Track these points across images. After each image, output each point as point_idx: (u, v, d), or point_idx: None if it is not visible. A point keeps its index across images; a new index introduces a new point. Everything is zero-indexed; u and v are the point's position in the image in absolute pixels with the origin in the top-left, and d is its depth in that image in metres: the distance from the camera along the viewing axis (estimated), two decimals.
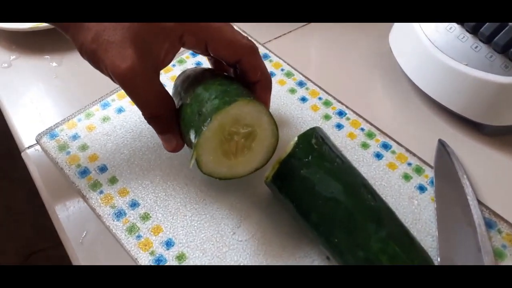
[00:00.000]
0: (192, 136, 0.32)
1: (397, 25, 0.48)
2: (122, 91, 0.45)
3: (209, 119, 0.31)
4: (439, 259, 0.34)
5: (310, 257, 0.34)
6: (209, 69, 0.39)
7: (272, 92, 0.38)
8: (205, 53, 0.35)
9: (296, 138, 0.33)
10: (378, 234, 0.30)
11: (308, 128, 0.35)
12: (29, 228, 1.09)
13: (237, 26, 0.52)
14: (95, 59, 0.32)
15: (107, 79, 0.42)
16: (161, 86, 0.33)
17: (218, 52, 0.34)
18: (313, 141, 0.33)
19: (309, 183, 0.32)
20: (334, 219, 0.31)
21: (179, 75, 0.39)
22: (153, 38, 0.31)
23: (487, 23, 0.38)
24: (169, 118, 0.35)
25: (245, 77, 0.36)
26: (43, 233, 1.11)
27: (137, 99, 0.33)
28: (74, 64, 0.49)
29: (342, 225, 0.30)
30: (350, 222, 0.30)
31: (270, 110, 0.39)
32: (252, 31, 0.51)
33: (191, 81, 0.36)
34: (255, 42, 0.50)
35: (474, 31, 0.39)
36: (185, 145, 0.35)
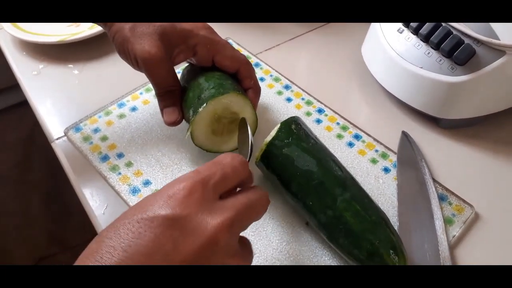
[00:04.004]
0: (190, 114, 0.41)
1: (367, 39, 0.56)
2: (136, 93, 0.54)
3: (205, 103, 0.39)
4: (398, 224, 0.42)
5: (292, 223, 0.42)
6: (211, 66, 0.46)
7: (262, 94, 0.47)
8: (208, 63, 0.44)
9: (279, 124, 0.41)
10: (343, 196, 0.37)
11: None
12: (41, 233, 1.15)
13: (232, 40, 0.61)
14: (125, 45, 0.41)
15: (121, 85, 0.51)
16: (173, 69, 0.43)
17: (222, 62, 0.44)
18: (293, 126, 0.41)
19: (289, 159, 0.40)
20: (309, 187, 0.38)
21: (187, 66, 0.48)
22: (174, 38, 0.41)
23: (436, 33, 0.46)
24: (176, 94, 0.44)
25: (241, 84, 0.45)
26: (54, 239, 1.17)
27: (156, 77, 0.42)
28: (93, 72, 0.57)
29: (315, 191, 0.38)
30: (321, 188, 0.38)
31: (261, 108, 0.47)
32: (246, 44, 0.60)
33: (196, 71, 0.45)
34: (248, 53, 0.59)
35: (426, 40, 0.47)
36: (186, 136, 0.43)
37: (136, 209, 0.27)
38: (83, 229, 0.44)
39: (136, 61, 0.41)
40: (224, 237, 0.27)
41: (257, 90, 0.46)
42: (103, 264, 0.24)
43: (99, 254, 0.25)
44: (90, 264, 0.25)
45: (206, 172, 0.29)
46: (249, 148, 0.35)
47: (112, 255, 0.25)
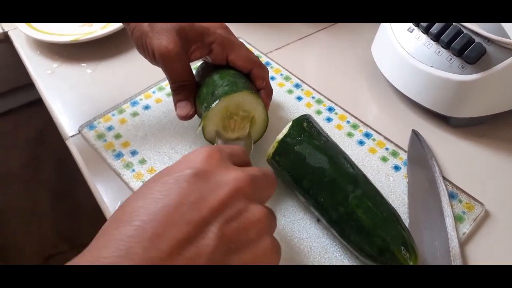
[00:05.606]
0: (203, 109, 0.42)
1: (377, 38, 0.57)
2: (149, 92, 0.55)
3: (218, 100, 0.40)
4: (408, 221, 0.42)
5: (303, 220, 0.42)
6: (226, 64, 0.47)
7: (273, 93, 0.48)
8: (223, 61, 0.45)
9: (291, 122, 0.42)
10: (355, 193, 0.37)
11: None
12: (50, 231, 1.17)
13: (244, 39, 0.61)
14: (143, 39, 0.42)
15: (134, 83, 0.51)
16: (189, 65, 0.44)
17: (235, 61, 0.45)
18: (305, 124, 0.42)
19: (301, 157, 0.40)
20: (320, 183, 0.39)
21: (202, 63, 0.49)
22: (192, 35, 0.42)
23: (446, 32, 0.46)
24: (190, 89, 0.45)
25: (254, 84, 0.46)
26: (63, 236, 1.19)
27: (172, 71, 0.43)
28: (107, 70, 0.58)
29: (327, 188, 0.38)
30: (333, 185, 0.38)
31: (271, 106, 0.48)
32: (257, 43, 0.61)
33: (211, 69, 0.46)
34: (259, 52, 0.60)
35: (436, 39, 0.47)
36: (197, 130, 0.44)
37: (159, 176, 0.28)
38: (92, 227, 0.44)
39: (153, 56, 0.42)
40: (248, 186, 0.28)
41: (269, 92, 0.47)
42: (132, 224, 0.25)
43: (125, 215, 0.26)
44: (118, 226, 0.25)
45: (217, 147, 0.32)
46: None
47: (139, 213, 0.25)
